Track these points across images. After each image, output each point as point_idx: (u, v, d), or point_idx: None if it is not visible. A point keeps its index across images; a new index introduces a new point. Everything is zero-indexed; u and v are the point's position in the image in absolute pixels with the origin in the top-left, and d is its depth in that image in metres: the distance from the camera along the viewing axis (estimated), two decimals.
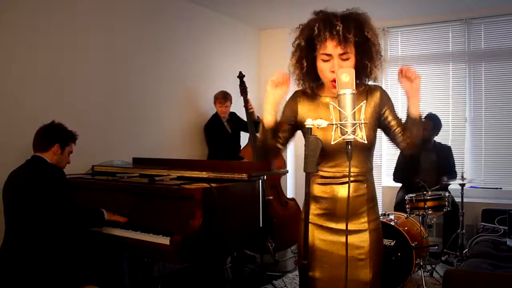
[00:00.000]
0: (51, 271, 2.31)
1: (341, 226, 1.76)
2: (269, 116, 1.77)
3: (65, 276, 2.34)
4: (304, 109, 1.82)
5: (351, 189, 1.71)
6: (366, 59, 1.71)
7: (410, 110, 1.80)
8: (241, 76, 4.64)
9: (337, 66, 1.66)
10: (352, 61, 1.69)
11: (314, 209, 1.79)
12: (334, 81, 1.63)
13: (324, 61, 1.69)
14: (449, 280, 2.37)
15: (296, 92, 1.87)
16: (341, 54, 1.67)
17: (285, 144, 1.86)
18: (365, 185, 1.78)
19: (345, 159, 1.70)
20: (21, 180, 2.42)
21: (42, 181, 2.38)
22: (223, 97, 4.52)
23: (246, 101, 4.56)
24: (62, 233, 2.41)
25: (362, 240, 1.76)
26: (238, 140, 4.69)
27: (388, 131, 1.83)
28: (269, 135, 1.78)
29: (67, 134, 2.63)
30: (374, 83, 1.85)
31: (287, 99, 1.87)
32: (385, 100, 1.82)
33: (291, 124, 1.84)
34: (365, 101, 1.59)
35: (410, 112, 1.80)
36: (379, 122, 1.82)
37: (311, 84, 1.81)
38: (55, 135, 2.56)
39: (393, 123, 1.81)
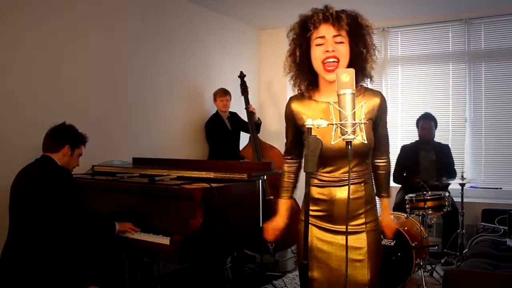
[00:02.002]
0: (54, 271, 2.30)
1: (339, 227, 1.76)
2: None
3: (67, 277, 2.33)
4: (299, 114, 1.81)
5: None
6: (361, 46, 1.71)
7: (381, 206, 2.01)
8: (242, 76, 4.64)
9: (331, 46, 1.67)
10: (346, 47, 1.70)
11: (312, 210, 1.79)
12: (326, 61, 1.67)
13: (318, 45, 1.70)
14: (449, 280, 2.37)
15: (289, 100, 1.86)
16: (334, 36, 1.68)
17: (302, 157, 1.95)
18: (363, 188, 1.77)
19: (342, 164, 1.73)
20: (29, 180, 2.42)
21: (50, 182, 2.37)
22: (223, 91, 4.54)
23: (247, 103, 4.56)
24: (67, 234, 2.40)
25: (360, 241, 1.75)
26: (238, 138, 4.69)
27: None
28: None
29: (77, 136, 2.63)
30: (373, 88, 1.85)
31: (285, 113, 1.89)
32: (383, 110, 1.81)
33: (297, 141, 1.90)
34: (365, 101, 1.59)
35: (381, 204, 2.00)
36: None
37: (305, 82, 1.79)
38: (65, 136, 2.56)
39: (378, 137, 1.84)
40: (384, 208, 2.01)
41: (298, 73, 1.78)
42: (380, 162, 1.93)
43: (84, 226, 2.47)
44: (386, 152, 1.94)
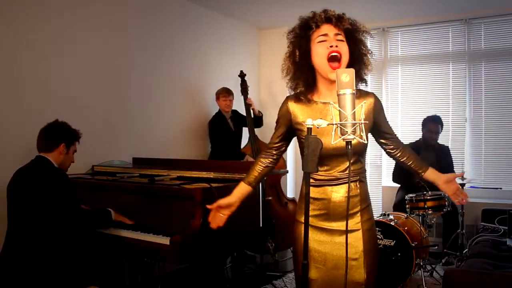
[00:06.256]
0: (54, 272, 2.30)
1: (335, 226, 1.77)
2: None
3: (67, 277, 2.33)
4: (297, 113, 1.80)
5: (344, 190, 1.74)
6: (358, 49, 1.75)
7: (432, 176, 1.92)
8: (242, 75, 4.63)
9: (334, 42, 1.69)
10: (346, 45, 1.72)
11: None
12: (330, 59, 1.69)
13: (320, 42, 1.71)
14: (449, 280, 2.37)
15: (286, 99, 1.84)
16: (336, 34, 1.71)
17: (279, 156, 1.93)
18: (358, 186, 1.79)
19: (338, 163, 1.74)
20: (25, 182, 2.41)
21: (46, 184, 2.36)
22: (226, 91, 4.51)
23: (246, 97, 4.55)
24: (65, 235, 2.40)
25: (355, 240, 1.76)
26: (240, 138, 4.69)
27: (379, 138, 1.94)
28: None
29: (71, 133, 2.60)
30: (366, 90, 1.86)
31: (280, 109, 1.86)
32: (379, 108, 1.84)
33: (284, 139, 1.89)
34: (364, 102, 1.60)
35: (430, 176, 1.92)
36: (372, 128, 1.84)
37: (304, 82, 1.78)
38: (60, 135, 2.53)
39: (386, 132, 1.92)
40: (436, 174, 1.91)
41: (296, 74, 1.78)
42: (397, 152, 1.95)
43: (82, 223, 2.47)
44: (397, 142, 1.96)
